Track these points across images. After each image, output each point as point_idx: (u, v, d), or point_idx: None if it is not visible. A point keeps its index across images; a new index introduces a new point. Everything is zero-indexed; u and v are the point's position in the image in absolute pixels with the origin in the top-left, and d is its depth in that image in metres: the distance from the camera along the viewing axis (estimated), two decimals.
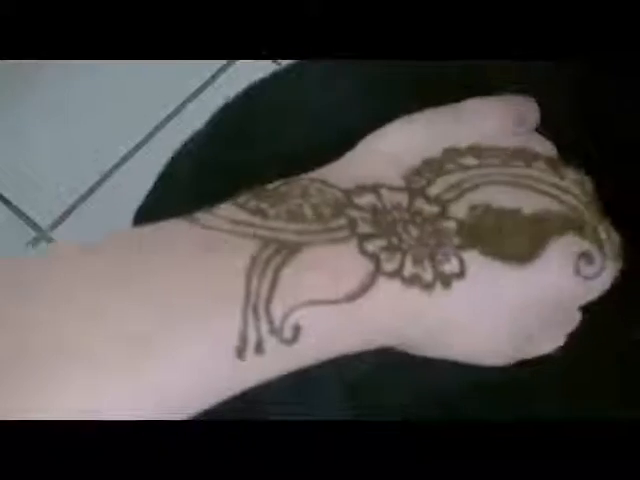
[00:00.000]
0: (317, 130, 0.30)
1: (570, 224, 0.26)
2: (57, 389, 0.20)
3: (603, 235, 0.27)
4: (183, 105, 1.02)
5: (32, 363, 0.20)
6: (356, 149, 0.27)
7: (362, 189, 0.25)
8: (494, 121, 0.28)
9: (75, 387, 0.20)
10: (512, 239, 0.25)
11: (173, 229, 0.23)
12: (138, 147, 1.01)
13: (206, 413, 0.25)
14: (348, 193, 0.25)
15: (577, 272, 0.26)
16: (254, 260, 0.22)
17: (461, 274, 0.25)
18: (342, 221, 0.24)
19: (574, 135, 0.31)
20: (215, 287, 0.22)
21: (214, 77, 1.05)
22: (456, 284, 0.24)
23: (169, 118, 1.02)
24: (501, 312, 0.26)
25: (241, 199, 0.24)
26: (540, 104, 0.29)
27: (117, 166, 1.00)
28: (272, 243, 0.23)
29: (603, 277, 0.26)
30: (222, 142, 0.35)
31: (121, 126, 1.00)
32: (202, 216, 0.23)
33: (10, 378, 0.20)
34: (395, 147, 0.27)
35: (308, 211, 0.24)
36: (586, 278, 0.26)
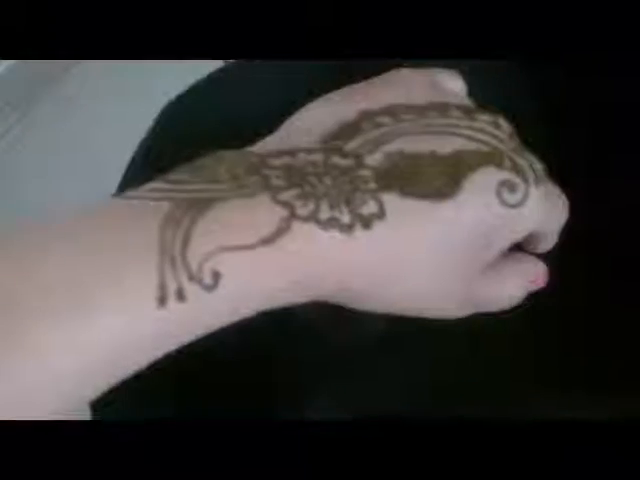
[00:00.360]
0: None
1: (486, 158, 0.27)
2: None
3: (523, 163, 0.27)
4: None
5: None
6: (278, 129, 0.29)
7: (278, 153, 0.26)
8: (407, 86, 0.29)
9: None
10: (429, 178, 0.26)
11: (98, 203, 0.25)
12: None
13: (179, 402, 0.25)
14: (263, 157, 0.26)
15: (501, 202, 0.26)
16: (167, 217, 0.23)
17: (381, 214, 0.25)
18: (255, 178, 0.25)
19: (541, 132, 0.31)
20: (129, 244, 0.23)
21: None
22: (377, 224, 0.25)
23: None
24: (429, 249, 0.26)
25: (167, 175, 0.25)
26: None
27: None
28: (185, 201, 0.24)
29: (529, 204, 0.26)
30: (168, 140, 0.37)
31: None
32: (128, 191, 0.25)
33: None
34: (312, 119, 0.28)
35: (223, 174, 0.25)
36: (512, 206, 0.26)
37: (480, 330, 0.31)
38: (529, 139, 0.29)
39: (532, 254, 0.30)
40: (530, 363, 0.33)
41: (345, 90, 0.29)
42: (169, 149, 0.35)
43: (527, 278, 0.29)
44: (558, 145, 0.30)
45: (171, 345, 0.24)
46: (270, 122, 0.29)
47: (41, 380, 0.21)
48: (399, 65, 0.30)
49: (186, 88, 0.41)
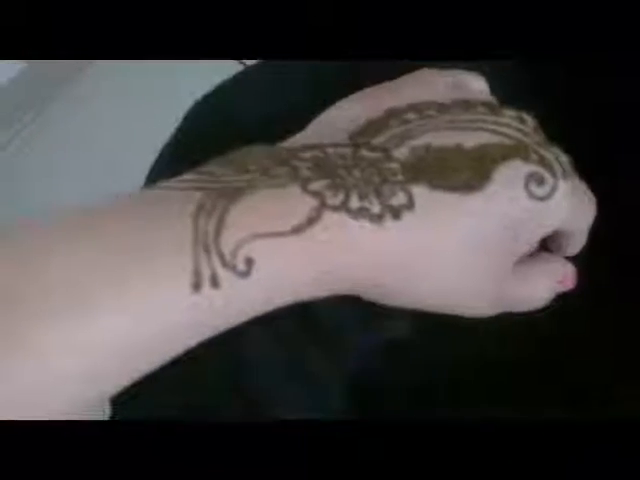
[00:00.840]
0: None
1: (513, 151, 0.27)
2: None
3: (549, 156, 0.27)
4: None
5: None
6: (306, 128, 0.29)
7: (307, 147, 0.27)
8: (431, 85, 0.30)
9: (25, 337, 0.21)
10: (456, 171, 0.26)
11: (128, 194, 0.25)
12: None
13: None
14: (293, 150, 0.26)
15: (530, 195, 0.26)
16: (199, 205, 0.24)
17: (410, 205, 0.25)
18: (285, 169, 0.25)
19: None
20: (162, 232, 0.23)
21: None
22: (407, 215, 0.25)
23: None
24: (459, 242, 0.26)
25: (198, 167, 0.26)
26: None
27: None
28: (216, 191, 0.24)
29: (557, 197, 0.27)
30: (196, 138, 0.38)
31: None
32: (159, 183, 0.25)
33: None
34: (340, 117, 0.29)
35: (253, 166, 0.25)
36: (540, 199, 0.26)
37: (507, 330, 0.31)
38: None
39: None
40: (559, 364, 0.33)
41: (371, 89, 0.30)
42: (196, 147, 0.35)
43: (556, 279, 0.29)
44: (562, 144, 0.30)
45: (205, 333, 0.24)
46: (298, 122, 0.29)
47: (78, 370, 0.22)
48: (399, 65, 0.30)
49: (213, 87, 0.41)
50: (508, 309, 0.29)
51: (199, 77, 1.11)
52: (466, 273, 0.27)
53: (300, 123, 0.29)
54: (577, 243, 0.30)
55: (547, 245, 0.30)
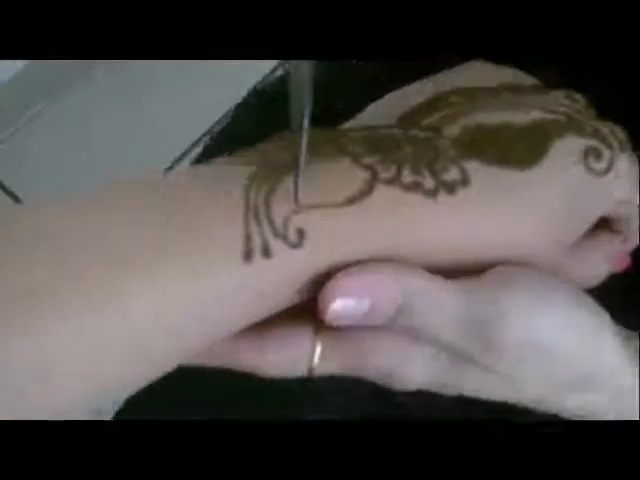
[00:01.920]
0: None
1: (568, 126, 0.26)
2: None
3: (605, 131, 0.26)
4: None
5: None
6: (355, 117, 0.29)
7: (357, 129, 0.26)
8: (478, 73, 0.29)
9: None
10: (511, 146, 0.26)
11: (184, 169, 0.25)
12: None
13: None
14: (342, 130, 0.26)
15: (588, 169, 0.26)
16: (252, 178, 0.23)
17: (465, 181, 0.25)
18: (336, 145, 0.25)
19: None
20: (216, 203, 0.23)
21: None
22: (462, 191, 0.24)
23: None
24: (517, 219, 0.25)
25: (250, 147, 0.26)
26: None
27: None
28: (268, 165, 0.24)
29: (616, 171, 0.26)
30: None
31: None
32: (213, 160, 0.25)
33: None
34: (388, 105, 0.29)
35: (302, 143, 0.24)
36: (598, 173, 0.26)
37: None
38: None
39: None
40: None
41: (418, 82, 0.30)
42: (248, 132, 0.35)
43: (612, 258, 0.29)
44: None
45: (257, 302, 0.23)
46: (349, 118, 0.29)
47: (125, 332, 0.21)
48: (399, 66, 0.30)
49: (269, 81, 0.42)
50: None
51: (199, 77, 1.13)
52: (524, 254, 0.26)
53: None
54: (635, 226, 0.29)
55: (607, 227, 0.29)
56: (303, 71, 0.20)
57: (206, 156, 0.41)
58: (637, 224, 0.29)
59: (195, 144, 1.13)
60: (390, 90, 0.30)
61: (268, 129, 0.27)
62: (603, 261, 0.28)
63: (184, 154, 1.13)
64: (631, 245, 0.29)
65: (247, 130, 0.39)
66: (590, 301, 0.26)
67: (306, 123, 0.22)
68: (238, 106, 0.43)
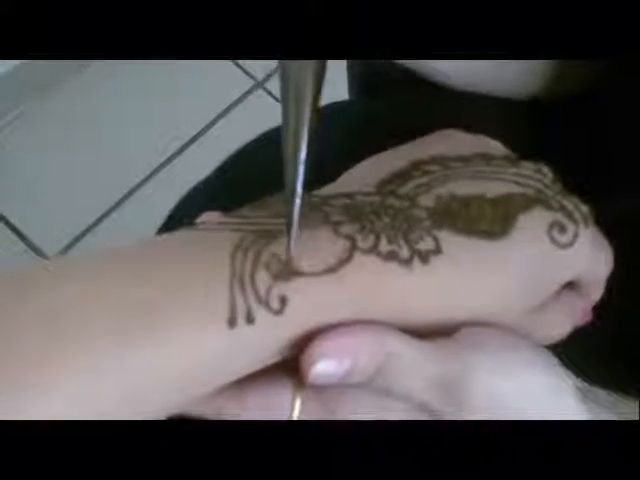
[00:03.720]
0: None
1: (535, 200, 0.28)
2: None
3: (570, 206, 0.28)
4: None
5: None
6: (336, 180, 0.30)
7: (338, 195, 0.28)
8: (453, 140, 0.31)
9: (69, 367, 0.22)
10: (481, 218, 0.27)
11: (168, 233, 0.26)
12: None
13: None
14: (323, 197, 0.28)
15: (553, 241, 0.27)
16: (237, 245, 0.25)
17: (438, 250, 0.26)
18: (317, 214, 0.26)
19: None
20: (201, 269, 0.24)
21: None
22: (434, 260, 0.26)
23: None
24: (484, 288, 0.27)
25: (233, 212, 0.27)
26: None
27: (123, 198, 1.05)
28: (253, 232, 0.25)
29: (579, 245, 0.28)
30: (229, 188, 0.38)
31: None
32: (198, 224, 0.27)
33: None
34: (367, 170, 0.30)
35: (285, 210, 0.26)
36: (563, 246, 0.28)
37: None
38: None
39: None
40: None
41: (395, 148, 0.31)
42: (231, 191, 0.36)
43: (575, 317, 0.30)
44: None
45: (239, 370, 0.25)
46: (329, 173, 0.30)
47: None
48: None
49: (252, 139, 0.43)
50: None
51: (198, 77, 1.13)
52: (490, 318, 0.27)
53: (331, 175, 0.30)
54: (597, 291, 0.31)
55: (571, 287, 0.30)
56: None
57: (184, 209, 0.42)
58: (599, 288, 0.31)
59: (179, 152, 1.12)
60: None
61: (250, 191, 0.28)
62: (567, 318, 0.30)
63: (171, 157, 1.12)
64: (593, 301, 0.31)
65: (229, 190, 0.41)
66: (552, 360, 0.27)
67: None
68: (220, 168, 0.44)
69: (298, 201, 0.23)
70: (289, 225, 0.24)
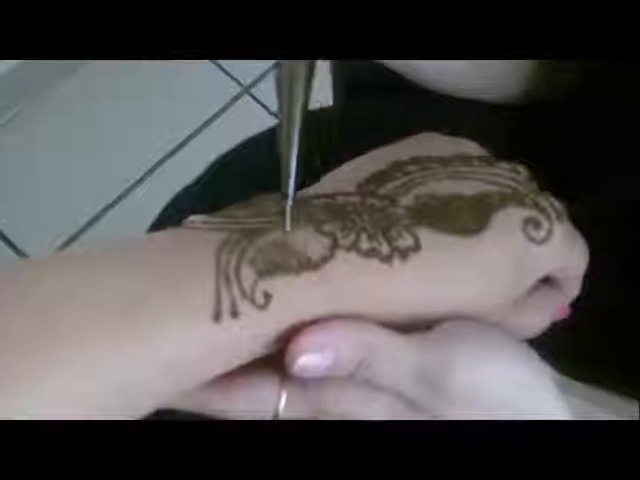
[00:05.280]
0: None
1: (510, 198, 0.29)
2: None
3: (544, 203, 0.29)
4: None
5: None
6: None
7: (320, 195, 0.29)
8: (431, 142, 0.32)
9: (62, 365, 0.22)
10: (458, 216, 0.28)
11: (158, 232, 0.27)
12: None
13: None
14: (308, 198, 0.28)
15: (528, 237, 0.28)
16: (223, 242, 0.26)
17: (417, 248, 0.27)
18: (301, 214, 0.27)
19: None
20: (189, 264, 0.25)
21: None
22: (414, 256, 0.27)
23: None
24: (462, 284, 0.28)
25: (219, 211, 0.28)
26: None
27: (106, 209, 1.06)
28: (239, 231, 0.26)
29: (554, 240, 0.29)
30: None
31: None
32: (185, 223, 0.27)
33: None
34: (347, 172, 0.31)
35: (270, 210, 0.27)
36: (538, 242, 0.28)
37: None
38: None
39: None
40: None
41: (375, 150, 0.32)
42: (218, 192, 0.37)
43: (552, 312, 0.31)
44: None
45: (224, 364, 0.25)
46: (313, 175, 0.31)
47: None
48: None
49: (236, 144, 0.44)
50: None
51: (186, 82, 1.14)
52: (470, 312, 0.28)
53: (315, 177, 0.31)
54: (574, 287, 0.32)
55: (548, 282, 0.31)
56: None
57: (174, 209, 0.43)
58: (576, 282, 0.32)
59: (170, 154, 1.12)
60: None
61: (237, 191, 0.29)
62: (544, 313, 0.31)
63: (164, 158, 1.13)
64: (570, 297, 0.32)
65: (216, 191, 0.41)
66: (530, 353, 0.28)
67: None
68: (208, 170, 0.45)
69: (292, 192, 0.25)
70: (284, 219, 0.25)
